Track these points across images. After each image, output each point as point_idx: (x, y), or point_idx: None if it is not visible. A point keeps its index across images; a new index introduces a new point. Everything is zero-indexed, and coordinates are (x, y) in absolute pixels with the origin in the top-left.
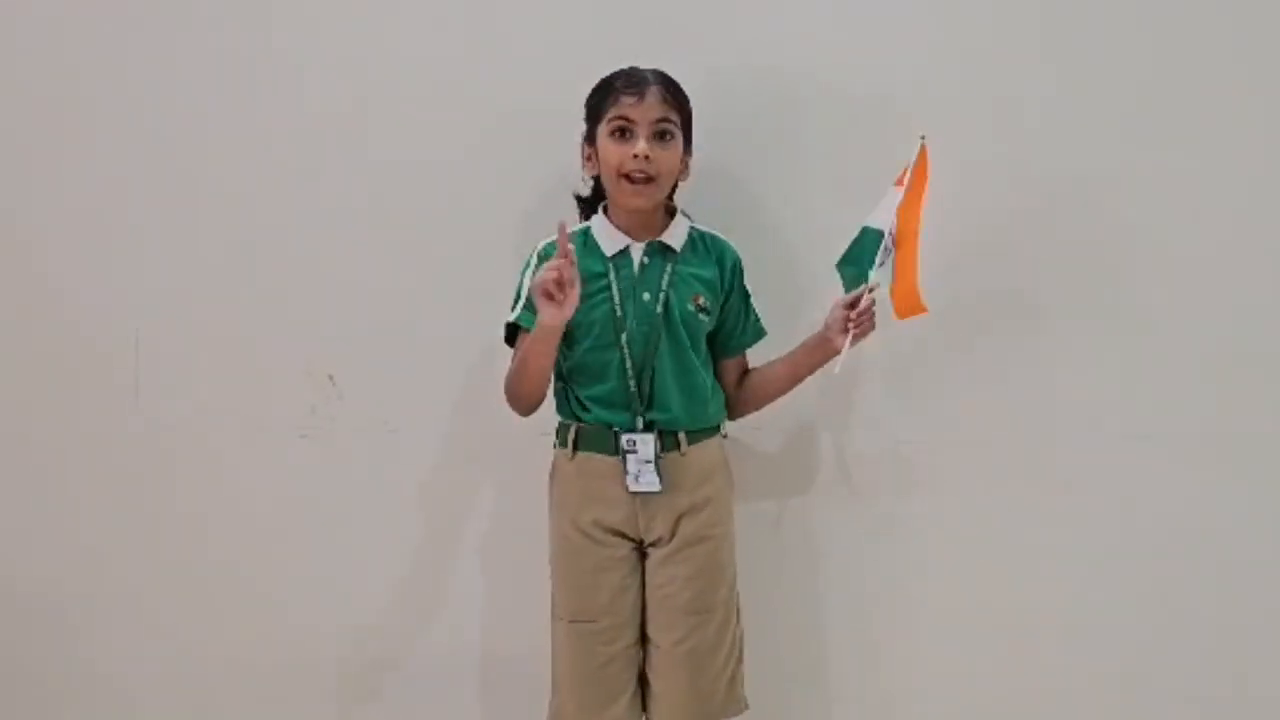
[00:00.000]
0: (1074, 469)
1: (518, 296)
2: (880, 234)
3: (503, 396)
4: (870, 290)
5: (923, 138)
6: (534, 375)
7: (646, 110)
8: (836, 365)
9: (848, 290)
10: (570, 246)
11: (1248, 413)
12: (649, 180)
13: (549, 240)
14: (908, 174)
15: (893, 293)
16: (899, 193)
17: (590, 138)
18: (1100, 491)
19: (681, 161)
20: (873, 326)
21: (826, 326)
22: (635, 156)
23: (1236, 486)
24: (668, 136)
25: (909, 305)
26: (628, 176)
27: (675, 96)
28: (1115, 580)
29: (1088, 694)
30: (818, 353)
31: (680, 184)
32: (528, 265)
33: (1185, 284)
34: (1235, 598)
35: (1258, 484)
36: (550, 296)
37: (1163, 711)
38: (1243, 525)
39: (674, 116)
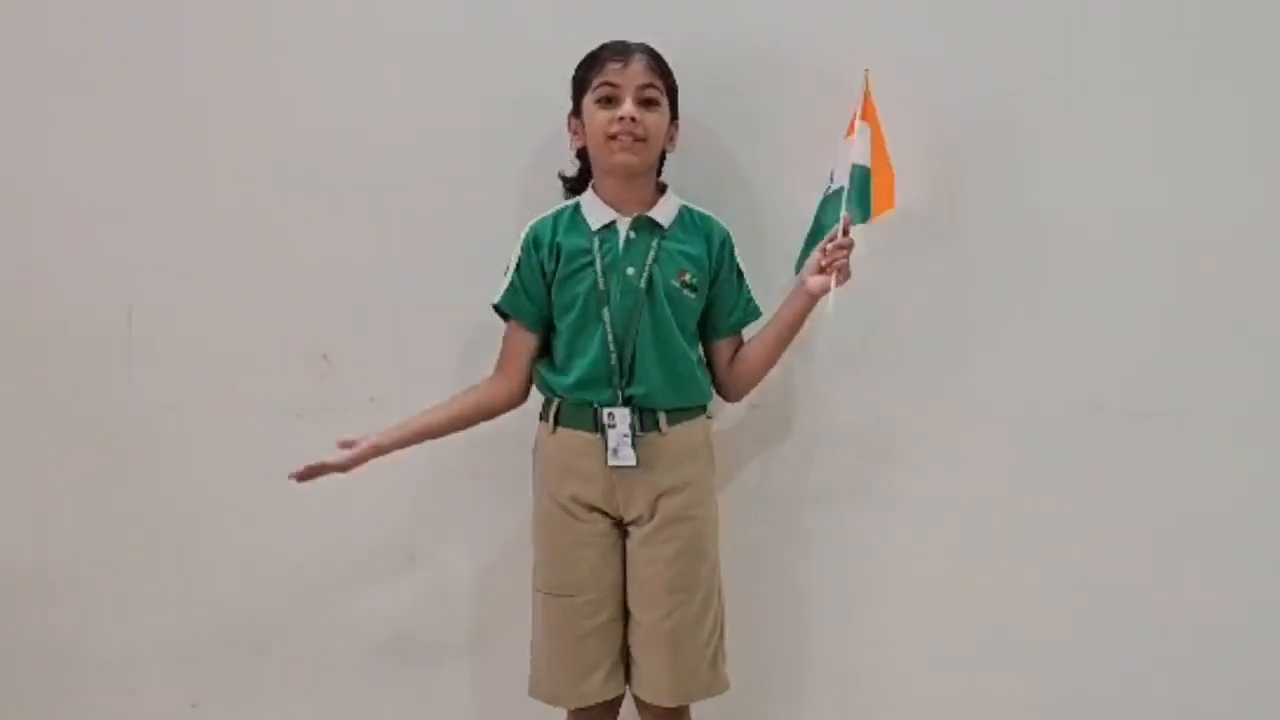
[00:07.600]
0: (1064, 447)
1: (506, 275)
2: (840, 189)
3: None
4: (844, 231)
5: (867, 71)
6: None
7: (631, 76)
8: (828, 305)
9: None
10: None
11: (1246, 391)
12: (637, 140)
13: (539, 219)
14: (857, 117)
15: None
16: (851, 142)
17: (577, 110)
18: (1092, 470)
19: (668, 132)
20: (847, 261)
21: (803, 272)
22: (622, 119)
23: (1235, 466)
24: (653, 104)
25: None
26: (614, 138)
27: (660, 65)
28: (1107, 559)
29: (1076, 673)
30: (795, 301)
31: (668, 154)
32: (518, 244)
33: (1180, 262)
34: (1234, 583)
35: (1256, 463)
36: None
37: (1155, 695)
38: (1242, 507)
39: (659, 84)
